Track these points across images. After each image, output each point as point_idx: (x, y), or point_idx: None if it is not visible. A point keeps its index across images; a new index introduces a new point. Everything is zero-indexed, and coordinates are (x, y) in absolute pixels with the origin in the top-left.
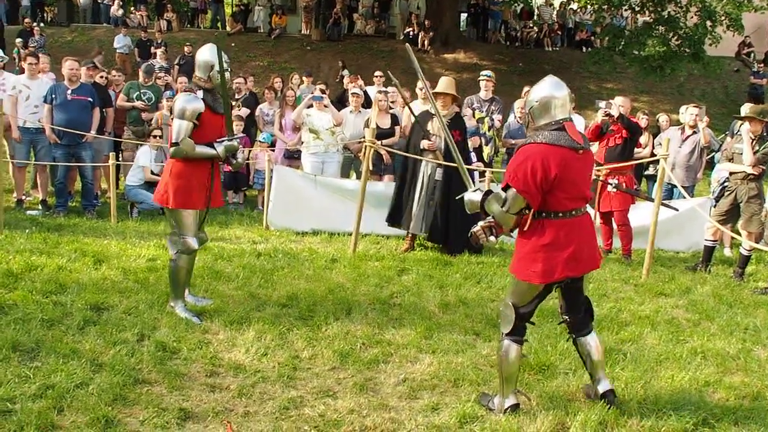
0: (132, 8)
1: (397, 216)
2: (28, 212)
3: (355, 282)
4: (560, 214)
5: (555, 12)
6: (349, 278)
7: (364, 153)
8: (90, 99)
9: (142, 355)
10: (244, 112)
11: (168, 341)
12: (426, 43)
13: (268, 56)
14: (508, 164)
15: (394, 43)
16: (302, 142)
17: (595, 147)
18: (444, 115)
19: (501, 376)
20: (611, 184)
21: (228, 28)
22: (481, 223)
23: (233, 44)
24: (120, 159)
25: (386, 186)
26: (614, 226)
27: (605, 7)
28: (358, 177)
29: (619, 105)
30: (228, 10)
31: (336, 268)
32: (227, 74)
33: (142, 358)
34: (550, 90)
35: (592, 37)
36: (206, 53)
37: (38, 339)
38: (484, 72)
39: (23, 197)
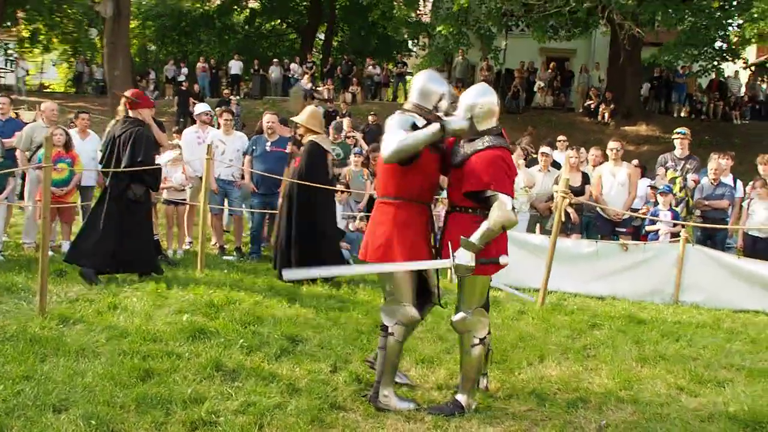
0: (320, 82)
1: None
2: (225, 257)
3: (545, 332)
4: None
5: (744, 84)
6: (538, 329)
7: (557, 206)
8: (287, 151)
9: (336, 384)
10: None
11: (362, 373)
12: (606, 115)
13: None
14: (480, 171)
15: (573, 115)
16: None
17: None
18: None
19: (474, 373)
20: None
21: None
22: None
23: None
24: None
25: (574, 244)
26: None
27: None
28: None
29: None
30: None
31: (524, 319)
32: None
33: (336, 387)
34: (492, 97)
35: None
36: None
37: (239, 362)
38: (678, 129)
39: (224, 244)
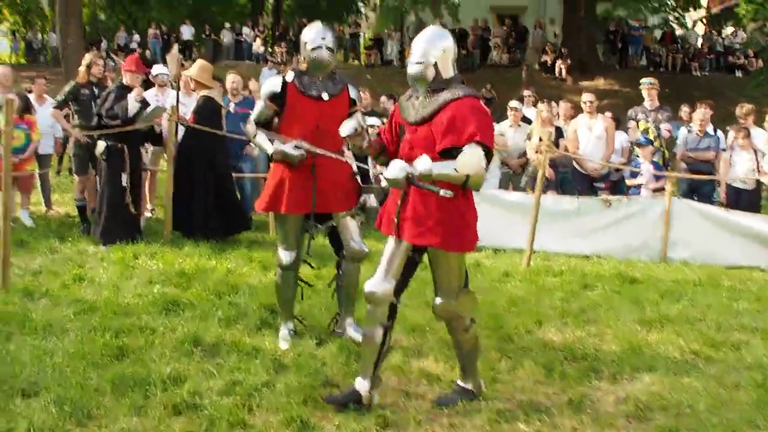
0: (273, 45)
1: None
2: None
3: (537, 295)
4: None
5: (700, 36)
6: (528, 291)
7: (539, 162)
8: (251, 112)
9: (324, 357)
10: None
11: (350, 344)
12: (564, 70)
13: (402, 87)
14: (463, 121)
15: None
16: None
17: None
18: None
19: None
20: None
21: (363, 61)
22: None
23: (368, 76)
24: None
25: (554, 200)
26: None
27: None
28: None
29: None
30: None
31: (510, 281)
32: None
33: (324, 361)
34: (451, 39)
35: (745, 60)
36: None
37: (218, 336)
38: (644, 80)
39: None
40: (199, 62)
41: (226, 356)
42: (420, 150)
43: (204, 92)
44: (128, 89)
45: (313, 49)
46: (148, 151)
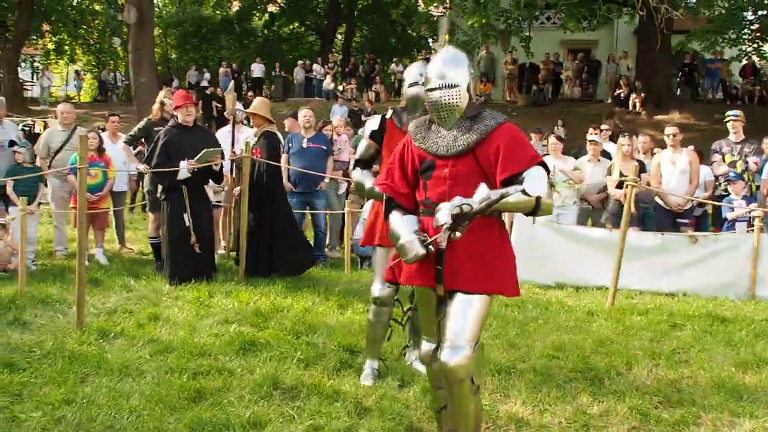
0: (343, 82)
1: None
2: None
3: (624, 335)
4: None
5: None
6: (615, 331)
7: (625, 197)
8: (324, 147)
9: (407, 401)
10: None
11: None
12: (638, 104)
13: None
14: (519, 146)
15: (602, 106)
16: None
17: None
18: (255, 134)
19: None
20: None
21: None
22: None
23: None
24: None
25: (637, 237)
26: None
27: None
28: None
29: None
30: None
31: (595, 321)
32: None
33: (408, 404)
34: (468, 61)
35: None
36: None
37: (297, 378)
38: (730, 112)
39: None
40: (259, 99)
41: (306, 399)
42: (463, 185)
43: (266, 128)
44: (183, 128)
45: (410, 85)
46: (224, 188)
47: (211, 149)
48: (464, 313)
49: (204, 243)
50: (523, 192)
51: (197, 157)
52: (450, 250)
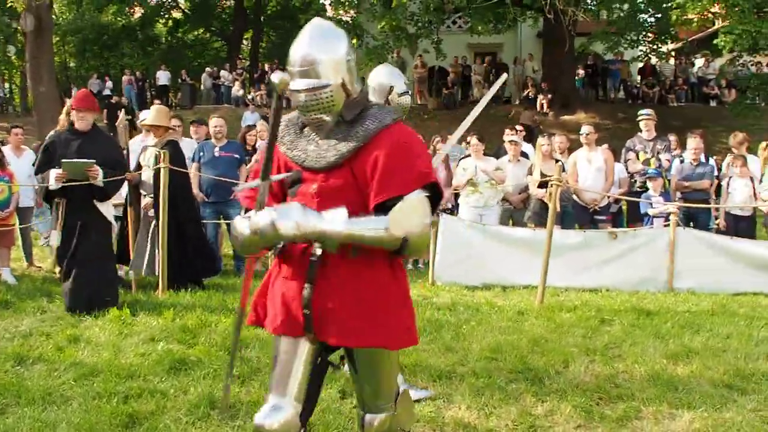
0: (251, 89)
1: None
2: None
3: (557, 333)
4: None
5: (674, 68)
6: (548, 330)
7: (550, 196)
8: (237, 156)
9: (351, 413)
10: None
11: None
12: (545, 105)
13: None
14: (405, 159)
15: (510, 107)
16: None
17: None
18: (154, 145)
19: None
20: None
21: None
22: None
23: None
24: None
25: (560, 234)
26: None
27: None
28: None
29: None
30: None
31: (527, 320)
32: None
33: (351, 417)
34: (346, 40)
35: (719, 91)
36: (381, 75)
37: (234, 396)
38: (642, 111)
39: None
40: (154, 108)
41: (246, 417)
42: (334, 205)
43: (168, 136)
44: (77, 133)
45: (401, 95)
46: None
47: (82, 161)
48: (366, 374)
49: (90, 266)
50: (385, 228)
51: (63, 166)
52: (318, 293)
